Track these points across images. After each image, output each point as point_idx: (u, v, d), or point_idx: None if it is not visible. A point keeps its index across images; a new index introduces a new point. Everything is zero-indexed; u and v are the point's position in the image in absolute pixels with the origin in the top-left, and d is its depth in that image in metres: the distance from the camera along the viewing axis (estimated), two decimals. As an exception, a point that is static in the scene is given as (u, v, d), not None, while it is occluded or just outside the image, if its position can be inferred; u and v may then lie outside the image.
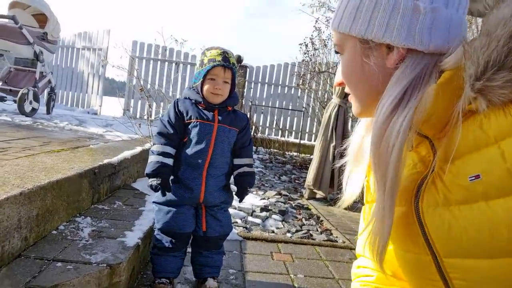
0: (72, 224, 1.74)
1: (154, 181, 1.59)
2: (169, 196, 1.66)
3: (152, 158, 1.61)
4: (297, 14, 7.66)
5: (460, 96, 0.57)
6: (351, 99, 0.73)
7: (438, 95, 0.58)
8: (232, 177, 1.78)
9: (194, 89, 1.70)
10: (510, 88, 0.53)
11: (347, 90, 0.74)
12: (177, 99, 1.70)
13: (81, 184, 1.92)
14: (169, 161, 1.62)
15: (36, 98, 4.81)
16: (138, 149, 3.02)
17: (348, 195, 0.81)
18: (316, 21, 7.25)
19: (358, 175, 0.80)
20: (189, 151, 1.64)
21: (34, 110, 4.78)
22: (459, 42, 0.61)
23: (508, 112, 0.53)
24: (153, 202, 1.74)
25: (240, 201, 1.77)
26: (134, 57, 8.48)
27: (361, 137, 0.79)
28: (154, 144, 1.67)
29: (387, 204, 0.62)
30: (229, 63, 1.64)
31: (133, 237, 1.71)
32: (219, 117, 1.67)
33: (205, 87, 1.64)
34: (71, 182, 1.80)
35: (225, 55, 1.65)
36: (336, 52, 0.73)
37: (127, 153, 2.72)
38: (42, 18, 5.21)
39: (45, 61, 5.22)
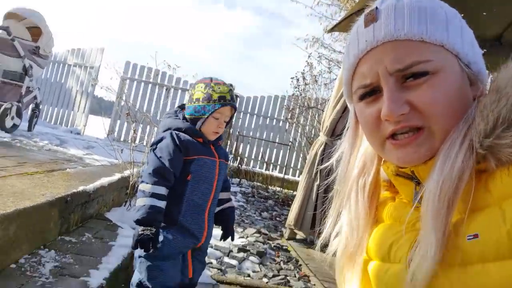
0: (34, 257, 1.63)
1: (147, 231, 1.33)
2: (165, 246, 1.44)
3: (145, 201, 1.38)
4: (292, 48, 7.84)
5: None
6: (426, 137, 0.57)
7: None
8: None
9: (188, 121, 1.56)
10: None
11: (420, 122, 0.57)
12: (172, 131, 1.50)
13: (50, 213, 1.82)
14: (163, 205, 1.42)
15: (18, 114, 4.69)
16: (117, 176, 2.93)
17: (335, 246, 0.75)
18: (309, 56, 7.42)
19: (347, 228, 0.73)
20: (194, 190, 1.50)
21: (15, 126, 4.65)
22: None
23: None
24: (140, 256, 1.47)
25: (232, 239, 1.70)
26: (125, 79, 8.47)
27: (357, 170, 0.72)
28: (145, 182, 1.43)
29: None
30: (235, 102, 1.58)
31: (98, 277, 1.61)
32: (217, 153, 1.60)
33: (208, 125, 1.53)
34: (40, 211, 1.70)
35: (231, 93, 1.56)
36: (416, 76, 0.56)
37: (104, 180, 2.62)
38: (36, 32, 5.16)
39: (33, 76, 5.13)
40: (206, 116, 1.52)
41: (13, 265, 1.52)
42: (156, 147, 1.48)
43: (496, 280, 0.49)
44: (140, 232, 1.34)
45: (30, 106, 5.39)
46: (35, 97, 5.37)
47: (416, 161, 0.59)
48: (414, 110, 0.57)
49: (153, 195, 1.39)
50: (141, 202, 1.39)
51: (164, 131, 1.54)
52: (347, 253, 0.73)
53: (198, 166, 1.51)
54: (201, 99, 1.54)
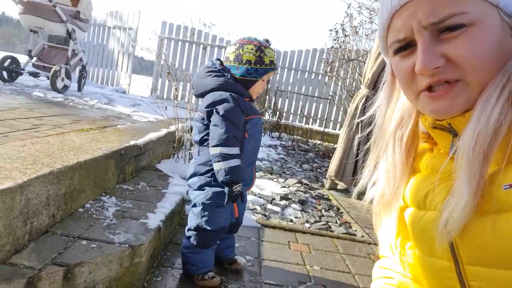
0: (98, 203, 1.81)
1: (238, 188, 1.51)
2: (223, 194, 1.56)
3: (229, 163, 1.49)
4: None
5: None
6: (461, 89, 0.57)
7: None
8: None
9: (237, 83, 1.62)
10: None
11: (457, 75, 0.57)
12: (231, 94, 1.56)
13: (108, 164, 1.98)
14: (240, 163, 1.56)
15: (68, 75, 4.94)
16: (164, 131, 3.08)
17: (371, 193, 0.79)
18: (348, 7, 7.06)
19: (382, 175, 0.76)
20: (250, 147, 1.65)
21: (65, 87, 4.92)
22: None
23: None
24: (203, 203, 1.61)
25: None
26: (163, 38, 8.56)
27: (397, 120, 0.74)
28: (222, 146, 1.50)
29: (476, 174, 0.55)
30: None
31: (155, 219, 1.76)
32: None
33: (257, 86, 1.65)
34: (98, 163, 1.85)
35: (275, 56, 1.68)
36: (447, 28, 0.56)
37: (152, 135, 2.77)
38: (75, -3, 5.30)
39: (77, 39, 5.33)
40: (257, 79, 1.63)
41: (80, 209, 1.70)
42: (222, 110, 1.53)
43: None
44: (234, 190, 1.50)
45: (78, 68, 5.64)
46: (81, 59, 5.61)
47: (450, 113, 0.59)
48: (450, 63, 0.56)
49: (234, 156, 1.51)
50: (225, 165, 1.50)
51: (215, 90, 1.59)
52: (384, 200, 0.76)
53: (252, 125, 1.63)
54: (253, 62, 1.61)
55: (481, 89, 0.55)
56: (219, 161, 1.50)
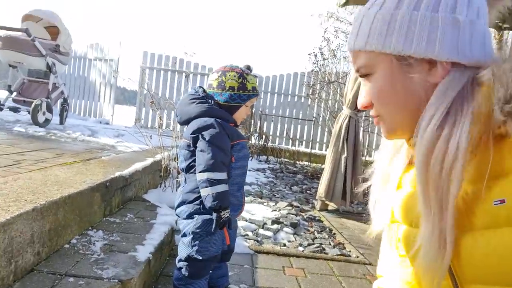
0: (84, 238, 1.74)
1: (226, 214, 1.49)
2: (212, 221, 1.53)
3: (217, 189, 1.47)
4: (307, 23, 7.70)
5: (489, 118, 0.55)
6: (381, 121, 0.69)
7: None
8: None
9: (221, 109, 1.63)
10: None
11: (376, 112, 0.69)
12: (216, 120, 1.56)
13: (93, 197, 1.92)
14: (227, 188, 1.53)
15: (49, 109, 4.87)
16: (149, 160, 3.03)
17: (377, 223, 0.79)
18: (325, 31, 7.27)
19: (385, 201, 0.77)
20: (239, 171, 1.64)
21: (47, 120, 4.84)
22: (490, 56, 0.61)
23: None
24: (193, 232, 1.56)
25: None
26: (145, 68, 8.59)
27: (388, 159, 0.77)
28: (209, 171, 1.49)
29: (448, 230, 0.57)
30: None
31: (144, 252, 1.70)
32: None
33: (240, 111, 1.67)
34: (83, 196, 1.80)
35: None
36: (362, 76, 0.69)
37: (138, 165, 2.72)
38: (54, 31, 5.30)
39: (57, 73, 5.29)
40: (240, 105, 1.65)
41: (66, 245, 1.63)
42: (207, 136, 1.52)
43: None
44: (222, 216, 1.48)
45: (59, 101, 5.58)
46: (62, 92, 5.56)
47: (389, 136, 0.71)
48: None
49: (221, 181, 1.50)
50: (213, 190, 1.47)
51: (199, 116, 1.58)
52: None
53: (238, 149, 1.63)
54: (236, 88, 1.63)
55: (391, 120, 0.67)
56: (206, 187, 1.48)
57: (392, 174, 0.76)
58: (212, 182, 1.48)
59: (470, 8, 0.61)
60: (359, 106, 0.71)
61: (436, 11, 0.60)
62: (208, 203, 1.48)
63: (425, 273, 0.61)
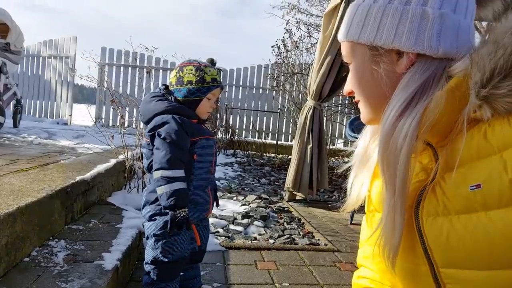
0: (45, 249, 1.66)
1: (182, 213, 1.40)
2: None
3: (172, 187, 1.41)
4: (269, 16, 7.69)
5: (466, 103, 0.57)
6: (361, 106, 0.73)
7: (445, 101, 0.58)
8: None
9: (182, 105, 1.57)
10: None
11: (357, 98, 0.73)
12: (173, 116, 1.51)
13: (53, 205, 1.83)
14: (186, 186, 1.47)
15: (1, 112, 4.59)
16: (112, 161, 2.93)
17: (353, 199, 0.81)
18: (287, 23, 7.29)
19: (362, 179, 0.79)
20: (202, 169, 1.58)
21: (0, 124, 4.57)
22: (468, 49, 0.61)
23: None
24: (155, 234, 1.51)
25: (217, 205, 1.80)
26: (104, 64, 8.28)
27: (367, 142, 0.79)
28: (164, 169, 1.44)
29: (397, 208, 0.61)
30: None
31: (111, 259, 1.64)
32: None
33: (203, 105, 1.60)
34: (42, 205, 1.71)
35: (219, 74, 1.63)
36: (346, 63, 0.74)
37: (100, 167, 2.63)
38: (3, 28, 4.99)
39: (9, 73, 4.99)
40: (201, 98, 1.58)
41: (26, 259, 1.55)
42: (163, 133, 1.48)
43: (498, 226, 0.52)
44: (177, 215, 1.40)
45: (12, 103, 5.29)
46: (14, 93, 5.26)
47: (367, 121, 0.74)
48: None
49: (177, 179, 1.43)
50: (168, 188, 1.41)
51: (158, 114, 1.54)
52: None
53: (201, 146, 1.58)
54: (194, 82, 1.57)
55: (370, 105, 0.70)
56: (161, 185, 1.43)
57: (371, 160, 0.78)
58: (167, 180, 1.42)
59: (446, 1, 0.62)
60: (344, 93, 0.78)
61: (408, 4, 0.62)
62: (162, 201, 1.42)
63: (383, 250, 0.64)
